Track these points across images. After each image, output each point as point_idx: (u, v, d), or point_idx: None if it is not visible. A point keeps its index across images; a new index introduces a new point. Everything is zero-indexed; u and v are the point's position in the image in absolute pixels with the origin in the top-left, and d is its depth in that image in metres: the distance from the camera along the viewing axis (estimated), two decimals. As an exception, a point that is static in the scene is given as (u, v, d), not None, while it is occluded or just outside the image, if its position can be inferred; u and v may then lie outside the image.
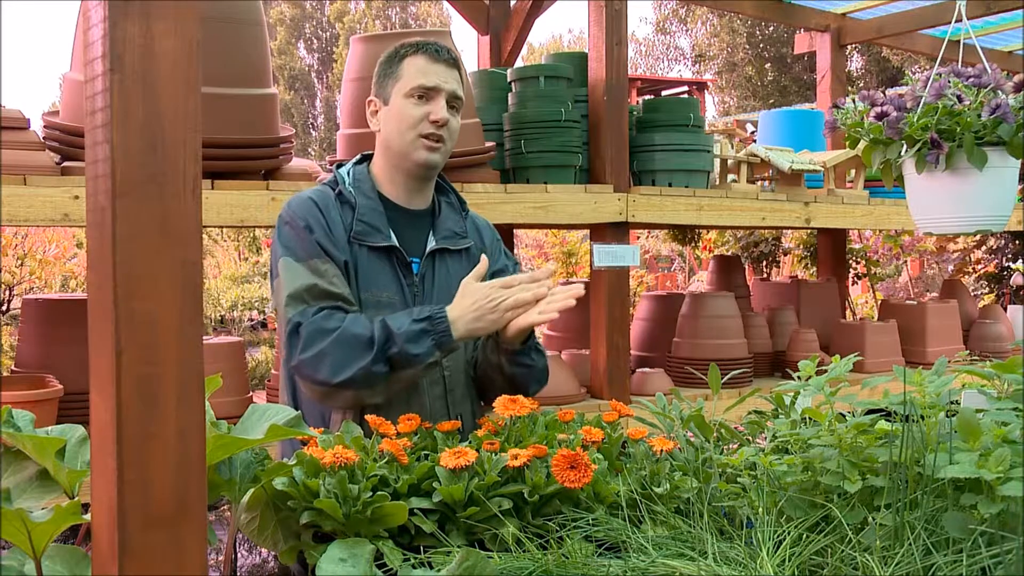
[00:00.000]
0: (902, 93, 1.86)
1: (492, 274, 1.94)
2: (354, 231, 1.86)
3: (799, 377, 1.39)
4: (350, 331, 1.74)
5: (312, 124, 28.49)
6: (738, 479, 1.31)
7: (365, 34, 3.15)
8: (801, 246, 6.03)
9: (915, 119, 1.80)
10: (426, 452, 1.44)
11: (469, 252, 1.99)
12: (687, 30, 26.14)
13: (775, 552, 1.07)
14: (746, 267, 5.58)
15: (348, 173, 1.95)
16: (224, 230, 11.59)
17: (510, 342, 1.83)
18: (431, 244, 1.94)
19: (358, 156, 2.01)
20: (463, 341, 1.79)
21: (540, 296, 1.76)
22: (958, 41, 2.08)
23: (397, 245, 1.89)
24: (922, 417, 1.18)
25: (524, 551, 1.19)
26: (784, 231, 6.03)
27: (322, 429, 1.59)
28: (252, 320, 9.48)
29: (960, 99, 1.77)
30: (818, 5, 5.03)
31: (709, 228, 5.81)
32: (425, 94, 1.89)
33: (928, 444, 1.12)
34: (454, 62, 1.94)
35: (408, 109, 1.89)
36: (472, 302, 1.76)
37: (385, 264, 1.88)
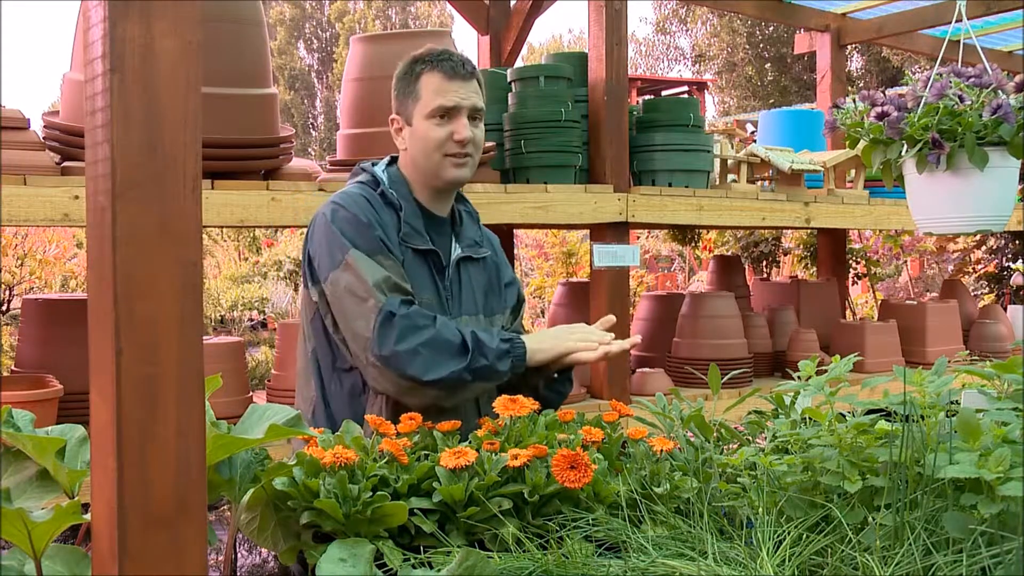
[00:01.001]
0: (902, 93, 1.86)
1: (505, 285, 2.04)
2: (402, 232, 1.88)
3: (799, 377, 1.39)
4: (443, 334, 1.77)
5: (312, 124, 28.50)
6: (738, 479, 1.31)
7: (365, 34, 3.15)
8: (801, 246, 6.03)
9: (916, 119, 1.80)
10: (426, 452, 1.44)
11: (486, 261, 2.03)
12: (687, 30, 26.15)
13: (775, 552, 1.07)
14: (746, 267, 5.58)
15: (384, 173, 1.95)
16: (224, 230, 11.58)
17: (553, 368, 1.90)
18: (456, 251, 1.97)
19: (387, 158, 2.01)
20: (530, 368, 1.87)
21: (602, 341, 1.89)
22: (958, 41, 2.08)
23: (436, 248, 1.92)
24: (922, 417, 1.18)
25: (524, 551, 1.19)
26: (784, 231, 6.03)
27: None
28: (252, 320, 9.46)
29: (961, 99, 1.77)
30: (818, 5, 5.03)
31: (709, 228, 5.80)
32: (446, 114, 1.89)
33: (928, 444, 1.12)
34: (470, 74, 1.92)
35: (431, 131, 1.89)
36: (542, 334, 1.89)
37: (424, 267, 1.90)
